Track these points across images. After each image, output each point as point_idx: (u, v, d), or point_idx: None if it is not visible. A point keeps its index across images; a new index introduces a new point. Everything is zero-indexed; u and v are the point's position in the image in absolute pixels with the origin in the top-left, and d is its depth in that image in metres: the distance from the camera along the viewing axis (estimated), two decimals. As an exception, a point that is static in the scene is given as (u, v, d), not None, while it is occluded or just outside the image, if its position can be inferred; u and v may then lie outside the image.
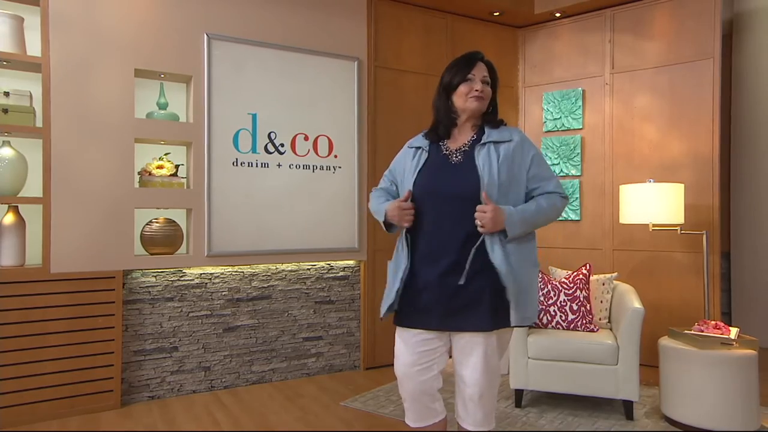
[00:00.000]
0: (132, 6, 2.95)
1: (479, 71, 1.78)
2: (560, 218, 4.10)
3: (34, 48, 2.79)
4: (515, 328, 1.81)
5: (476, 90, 1.76)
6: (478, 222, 1.65)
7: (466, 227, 1.68)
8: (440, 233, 1.71)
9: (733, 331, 2.61)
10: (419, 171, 1.79)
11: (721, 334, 2.58)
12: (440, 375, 1.78)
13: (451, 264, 1.68)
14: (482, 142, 1.75)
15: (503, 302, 1.68)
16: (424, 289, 1.72)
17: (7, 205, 2.74)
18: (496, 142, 1.74)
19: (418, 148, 1.85)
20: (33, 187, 2.82)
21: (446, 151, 1.80)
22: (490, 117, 1.82)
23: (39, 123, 2.80)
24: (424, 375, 1.74)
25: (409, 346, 1.74)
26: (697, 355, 2.53)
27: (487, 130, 1.78)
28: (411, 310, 1.74)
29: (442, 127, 1.83)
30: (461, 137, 1.81)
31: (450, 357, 1.79)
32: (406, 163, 1.85)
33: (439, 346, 1.75)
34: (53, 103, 2.74)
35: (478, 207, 1.65)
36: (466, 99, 1.77)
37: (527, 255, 1.73)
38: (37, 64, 2.73)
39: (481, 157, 1.71)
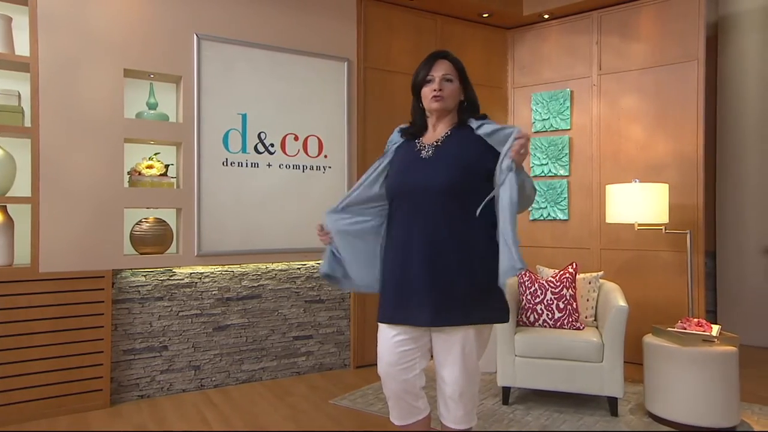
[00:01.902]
0: (121, 6, 2.96)
1: (439, 70, 1.78)
2: (549, 218, 4.15)
3: (22, 47, 2.79)
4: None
5: (434, 90, 1.77)
6: (516, 146, 1.59)
7: (437, 222, 1.70)
8: (413, 230, 1.73)
9: (715, 329, 2.66)
10: (391, 170, 1.83)
11: (704, 331, 2.63)
12: (423, 373, 1.79)
13: (425, 260, 1.70)
14: (453, 136, 1.79)
15: (479, 299, 1.70)
16: (401, 286, 1.74)
17: (-5, 205, 2.75)
18: (470, 132, 1.77)
19: (403, 145, 1.89)
20: (21, 186, 2.82)
21: (419, 146, 1.82)
22: (468, 112, 1.83)
23: (27, 123, 2.80)
24: (407, 374, 1.75)
25: (391, 346, 1.75)
26: (680, 352, 2.58)
27: (458, 127, 1.81)
28: (391, 307, 1.75)
29: (416, 127, 1.87)
30: (437, 133, 1.83)
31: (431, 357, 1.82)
32: (389, 161, 1.89)
33: (421, 345, 1.76)
34: (42, 103, 2.74)
35: (520, 133, 1.60)
36: (428, 101, 1.80)
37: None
38: (26, 64, 2.73)
39: (451, 147, 1.75)
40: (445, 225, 1.70)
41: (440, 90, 1.76)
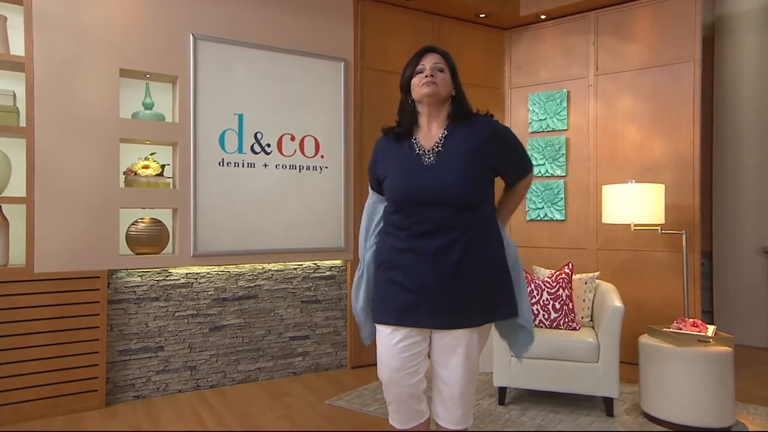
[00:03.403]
0: (117, 5, 2.95)
1: (429, 60, 1.74)
2: (545, 218, 4.15)
3: (17, 47, 2.78)
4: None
5: (425, 76, 1.71)
6: None
7: (447, 227, 1.67)
8: (421, 236, 1.68)
9: (710, 329, 2.66)
10: (395, 173, 1.74)
11: (699, 331, 2.63)
12: (425, 377, 1.77)
13: (435, 264, 1.67)
14: (452, 137, 1.72)
15: (489, 299, 1.70)
16: (409, 289, 1.69)
17: (-10, 205, 2.74)
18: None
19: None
20: (16, 186, 2.81)
21: (417, 149, 1.74)
22: (457, 112, 1.76)
23: (23, 122, 2.79)
24: (411, 379, 1.72)
25: (395, 352, 1.71)
26: (675, 352, 2.58)
27: (453, 125, 1.75)
28: (399, 309, 1.70)
29: (403, 127, 1.79)
30: (432, 135, 1.76)
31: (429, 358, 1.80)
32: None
33: (423, 348, 1.73)
34: (37, 103, 2.74)
35: None
36: (419, 89, 1.72)
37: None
38: (21, 64, 2.73)
39: (453, 151, 1.69)
40: (455, 229, 1.66)
41: (432, 75, 1.70)
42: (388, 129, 1.84)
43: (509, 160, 1.78)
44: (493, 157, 1.71)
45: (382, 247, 1.79)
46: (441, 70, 1.74)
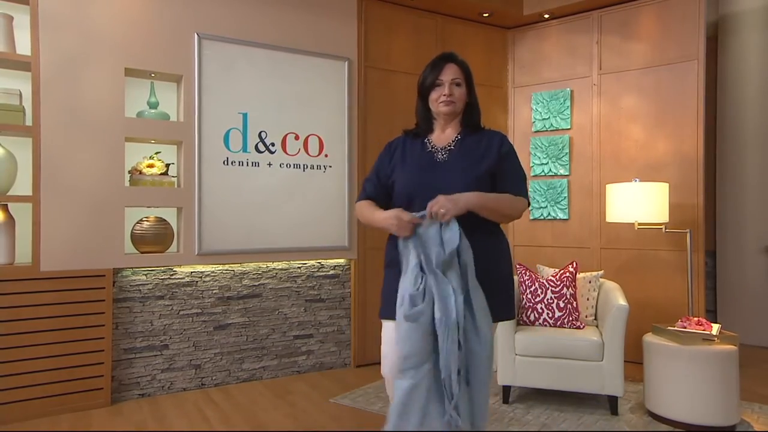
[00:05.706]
0: (122, 5, 2.96)
1: (448, 74, 1.81)
2: (549, 217, 4.15)
3: (23, 46, 2.79)
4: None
5: (444, 95, 1.79)
6: (442, 210, 1.61)
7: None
8: None
9: (715, 328, 2.66)
10: (406, 168, 1.83)
11: (703, 330, 2.63)
12: None
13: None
14: (464, 140, 1.81)
15: (490, 298, 1.71)
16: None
17: (-4, 204, 2.75)
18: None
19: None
20: (23, 185, 2.83)
21: (430, 147, 1.84)
22: (469, 119, 1.87)
23: (29, 122, 2.80)
24: None
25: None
26: (680, 350, 2.58)
27: (467, 131, 1.84)
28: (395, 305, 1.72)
29: (422, 130, 1.90)
30: (445, 135, 1.86)
31: None
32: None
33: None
34: (43, 102, 2.75)
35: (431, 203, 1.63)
36: (437, 105, 1.82)
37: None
38: (27, 63, 2.74)
39: (464, 152, 1.77)
40: (461, 227, 1.68)
41: (450, 95, 1.79)
42: (408, 130, 1.94)
43: (508, 173, 1.82)
44: (495, 166, 1.79)
45: (389, 245, 1.83)
46: (458, 85, 1.82)
